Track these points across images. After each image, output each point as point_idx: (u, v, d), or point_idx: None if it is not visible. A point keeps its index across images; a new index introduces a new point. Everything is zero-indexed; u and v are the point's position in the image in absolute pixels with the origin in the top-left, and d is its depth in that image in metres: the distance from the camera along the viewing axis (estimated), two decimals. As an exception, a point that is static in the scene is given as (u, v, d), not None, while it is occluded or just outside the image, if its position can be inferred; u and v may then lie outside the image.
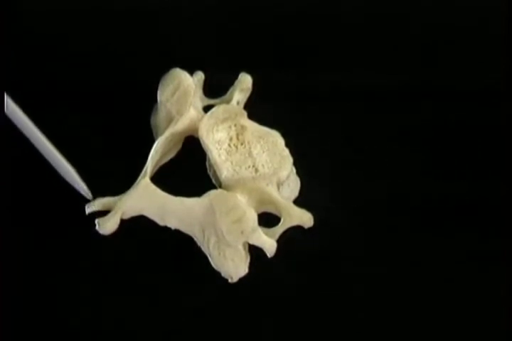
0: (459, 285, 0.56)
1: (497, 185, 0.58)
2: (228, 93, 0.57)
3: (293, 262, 0.56)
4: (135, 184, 0.53)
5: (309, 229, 0.53)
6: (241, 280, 0.53)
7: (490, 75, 0.60)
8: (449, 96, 0.59)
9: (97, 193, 0.54)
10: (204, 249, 0.52)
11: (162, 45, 0.60)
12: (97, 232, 0.52)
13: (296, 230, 0.53)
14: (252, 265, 0.53)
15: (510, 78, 0.59)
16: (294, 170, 0.56)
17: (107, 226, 0.52)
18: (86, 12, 0.61)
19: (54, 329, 0.55)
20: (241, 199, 0.52)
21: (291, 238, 0.53)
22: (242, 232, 0.51)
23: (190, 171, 0.56)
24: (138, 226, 0.53)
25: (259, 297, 0.55)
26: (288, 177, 0.54)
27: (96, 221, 0.53)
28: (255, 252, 0.53)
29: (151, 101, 0.56)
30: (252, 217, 0.51)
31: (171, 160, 0.56)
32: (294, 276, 0.56)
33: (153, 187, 0.53)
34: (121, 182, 0.54)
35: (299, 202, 0.55)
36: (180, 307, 0.55)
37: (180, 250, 0.55)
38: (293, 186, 0.55)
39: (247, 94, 0.56)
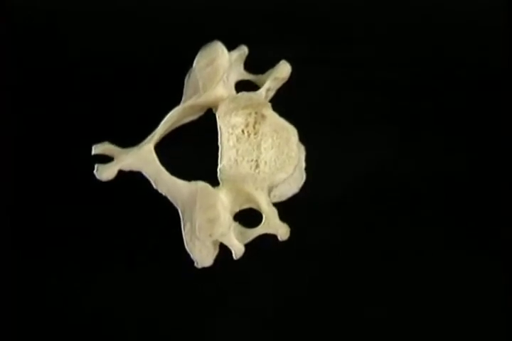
0: (458, 284, 0.57)
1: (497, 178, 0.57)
2: (266, 74, 0.55)
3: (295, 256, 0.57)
4: (140, 145, 0.54)
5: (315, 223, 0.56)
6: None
7: (490, 65, 0.58)
8: (450, 84, 0.58)
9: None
10: (182, 227, 0.53)
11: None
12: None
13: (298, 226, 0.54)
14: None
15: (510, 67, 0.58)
16: (304, 165, 0.55)
17: (104, 173, 0.54)
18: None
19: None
20: (223, 199, 0.52)
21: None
22: (210, 235, 0.52)
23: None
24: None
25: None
26: (285, 180, 0.53)
27: (95, 166, 0.54)
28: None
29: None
30: (225, 223, 0.52)
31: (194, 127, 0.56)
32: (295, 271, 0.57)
33: (153, 156, 0.54)
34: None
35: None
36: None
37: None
38: (293, 184, 0.55)
39: (282, 82, 0.55)
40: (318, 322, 0.56)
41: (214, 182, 0.54)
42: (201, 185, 0.53)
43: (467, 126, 0.58)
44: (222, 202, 0.52)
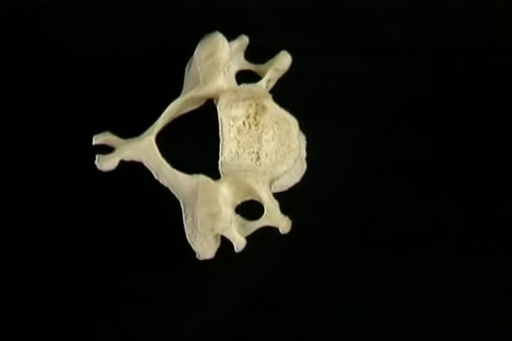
0: (459, 281, 0.57)
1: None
2: (266, 64, 0.55)
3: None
4: (140, 137, 0.54)
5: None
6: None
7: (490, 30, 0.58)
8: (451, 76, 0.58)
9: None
10: (183, 219, 0.53)
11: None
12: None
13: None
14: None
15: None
16: (305, 155, 0.55)
17: (104, 164, 0.54)
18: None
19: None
20: (224, 192, 0.52)
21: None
22: (211, 229, 0.52)
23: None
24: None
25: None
26: (286, 172, 0.53)
27: (96, 156, 0.54)
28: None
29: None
30: (226, 218, 0.52)
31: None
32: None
33: (154, 148, 0.53)
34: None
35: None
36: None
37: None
38: (294, 174, 0.55)
39: (282, 73, 0.55)
40: (316, 312, 0.56)
41: (215, 173, 0.53)
42: (202, 178, 0.53)
43: (471, 118, 0.58)
44: (224, 196, 0.52)
